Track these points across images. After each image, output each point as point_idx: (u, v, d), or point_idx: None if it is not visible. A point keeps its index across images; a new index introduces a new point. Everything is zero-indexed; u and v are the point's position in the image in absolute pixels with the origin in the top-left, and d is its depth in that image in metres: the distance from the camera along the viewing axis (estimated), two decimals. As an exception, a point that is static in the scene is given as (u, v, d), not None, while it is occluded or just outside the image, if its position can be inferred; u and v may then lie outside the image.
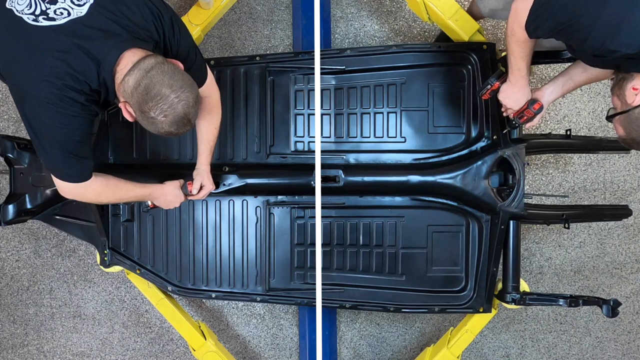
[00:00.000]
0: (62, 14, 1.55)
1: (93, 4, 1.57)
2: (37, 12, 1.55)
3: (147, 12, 1.64)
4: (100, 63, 1.56)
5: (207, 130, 2.04)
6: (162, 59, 1.56)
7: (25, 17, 1.55)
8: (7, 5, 1.58)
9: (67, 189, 1.79)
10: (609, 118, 1.76)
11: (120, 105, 1.61)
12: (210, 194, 2.23)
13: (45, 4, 1.56)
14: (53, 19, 1.54)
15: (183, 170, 2.33)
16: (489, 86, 2.10)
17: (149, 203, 2.15)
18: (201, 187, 2.14)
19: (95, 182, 1.82)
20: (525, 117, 2.07)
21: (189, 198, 2.17)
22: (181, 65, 1.65)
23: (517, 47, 1.83)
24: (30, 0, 1.56)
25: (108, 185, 1.88)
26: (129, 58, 1.55)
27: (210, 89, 1.96)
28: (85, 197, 1.89)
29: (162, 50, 1.71)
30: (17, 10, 1.56)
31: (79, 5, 1.56)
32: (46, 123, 1.61)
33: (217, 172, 2.28)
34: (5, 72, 1.66)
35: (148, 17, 1.64)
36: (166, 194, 2.09)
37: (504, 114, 2.17)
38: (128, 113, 1.61)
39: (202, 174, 2.12)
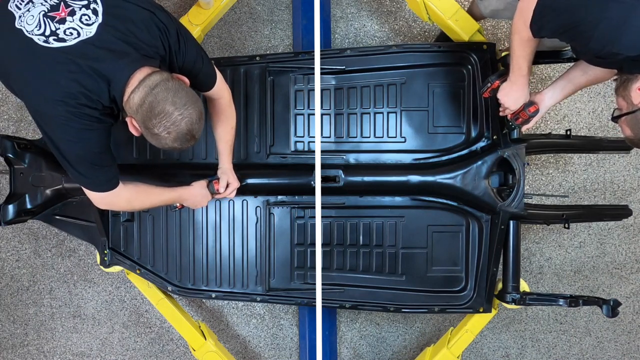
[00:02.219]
0: (71, 34, 1.55)
1: (101, 24, 1.57)
2: (47, 32, 1.55)
3: (153, 29, 1.65)
4: (110, 83, 1.58)
5: (225, 131, 2.08)
6: (167, 76, 1.58)
7: (35, 39, 1.55)
8: (17, 25, 1.57)
9: (99, 199, 1.83)
10: (615, 119, 1.76)
11: (127, 119, 1.63)
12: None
13: (55, 24, 1.56)
14: (63, 40, 1.55)
15: (183, 170, 2.34)
16: (489, 84, 2.11)
17: (177, 204, 2.18)
18: (227, 186, 2.19)
19: (125, 190, 1.85)
20: (520, 119, 2.07)
21: (217, 197, 2.21)
22: (186, 81, 1.67)
23: (520, 45, 1.84)
24: (39, 19, 1.56)
25: (138, 191, 1.92)
26: (137, 77, 1.57)
27: (221, 90, 1.97)
28: (117, 205, 1.95)
29: (167, 63, 1.72)
30: (27, 31, 1.56)
31: (88, 25, 1.56)
32: (65, 140, 1.64)
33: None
34: (20, 93, 1.68)
35: (155, 33, 1.65)
36: (195, 195, 2.13)
37: (501, 114, 2.17)
38: (134, 127, 1.63)
39: (226, 172, 2.18)
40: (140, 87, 1.55)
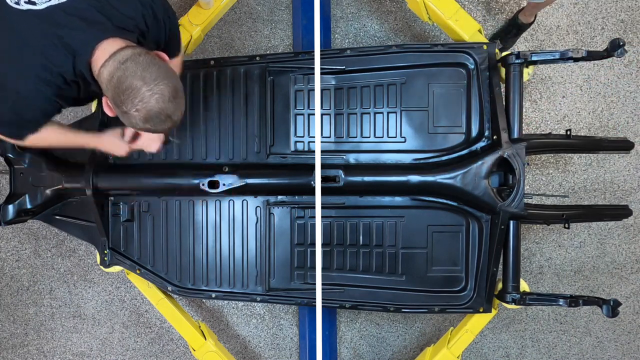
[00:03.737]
0: None
1: None
2: None
3: (135, 2, 1.60)
4: (75, 54, 1.51)
5: None
6: (140, 50, 1.50)
7: (7, 0, 1.52)
8: None
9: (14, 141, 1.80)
10: None
11: (103, 99, 1.56)
12: (210, 194, 2.24)
13: None
14: (34, 3, 1.50)
15: (184, 170, 2.34)
16: None
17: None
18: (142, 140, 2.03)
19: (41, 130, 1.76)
20: None
21: (133, 147, 2.03)
22: (166, 57, 1.60)
23: None
24: None
25: (53, 130, 1.83)
26: (106, 49, 1.49)
27: (179, 64, 1.94)
28: (28, 144, 1.83)
29: (149, 40, 1.66)
30: None
31: None
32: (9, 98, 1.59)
33: (217, 172, 2.29)
34: None
35: (137, 7, 1.60)
36: (108, 144, 2.01)
37: None
38: (108, 107, 1.56)
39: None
40: (110, 60, 1.47)
